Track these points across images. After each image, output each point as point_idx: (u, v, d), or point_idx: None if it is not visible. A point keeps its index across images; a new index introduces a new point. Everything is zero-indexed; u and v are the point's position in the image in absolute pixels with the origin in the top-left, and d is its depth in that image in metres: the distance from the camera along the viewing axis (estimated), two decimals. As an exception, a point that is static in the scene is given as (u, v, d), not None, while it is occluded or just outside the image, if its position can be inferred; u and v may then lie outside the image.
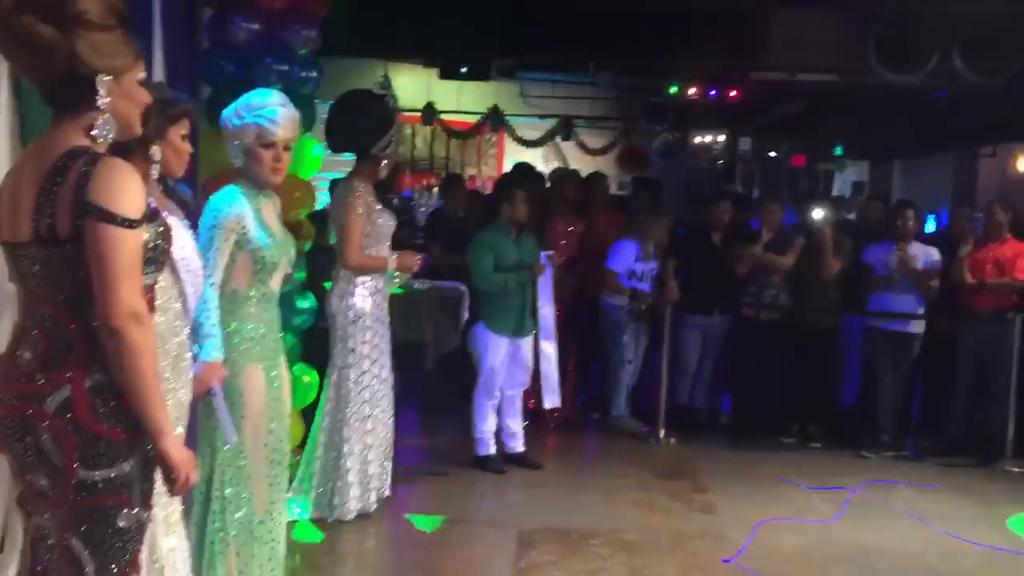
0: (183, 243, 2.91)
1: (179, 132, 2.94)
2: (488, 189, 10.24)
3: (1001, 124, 9.79)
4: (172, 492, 2.23)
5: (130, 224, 2.05)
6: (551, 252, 5.98)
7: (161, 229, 2.24)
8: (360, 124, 4.59)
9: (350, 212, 4.58)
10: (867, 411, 6.87)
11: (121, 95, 2.14)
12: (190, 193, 3.08)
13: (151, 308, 2.29)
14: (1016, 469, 6.39)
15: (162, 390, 2.19)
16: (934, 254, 6.69)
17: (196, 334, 3.16)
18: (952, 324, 6.68)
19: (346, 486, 4.63)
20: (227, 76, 4.51)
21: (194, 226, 3.11)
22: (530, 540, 4.65)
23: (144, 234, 2.12)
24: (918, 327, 6.68)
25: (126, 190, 2.06)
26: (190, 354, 3.01)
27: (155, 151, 2.86)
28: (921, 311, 6.67)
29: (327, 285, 4.77)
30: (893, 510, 5.54)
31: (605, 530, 4.83)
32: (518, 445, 5.91)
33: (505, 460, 5.81)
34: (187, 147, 2.97)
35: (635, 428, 6.90)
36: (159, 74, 4.14)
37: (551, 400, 6.07)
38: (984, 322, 6.55)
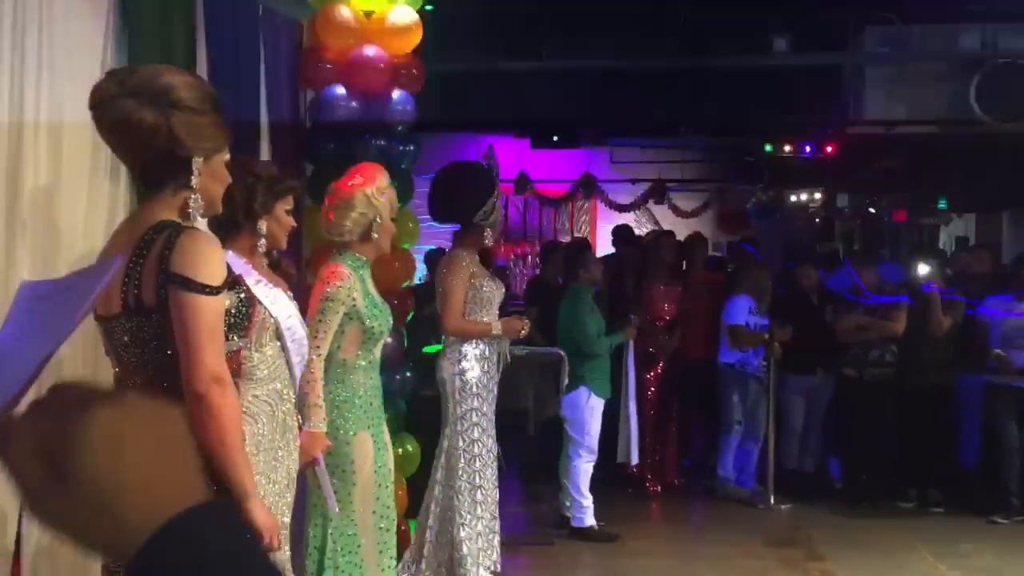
0: (288, 313, 2.98)
1: (284, 207, 3.04)
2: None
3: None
4: None
5: (210, 291, 2.10)
6: (635, 317, 6.08)
7: (243, 296, 2.29)
8: (463, 193, 4.67)
9: (451, 278, 4.65)
10: (992, 473, 6.51)
11: (209, 175, 2.23)
12: (293, 265, 3.16)
13: (237, 373, 2.34)
14: None
15: (247, 454, 2.20)
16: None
17: (300, 404, 3.21)
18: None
19: (462, 558, 4.56)
20: (328, 153, 4.65)
21: (297, 297, 3.19)
22: (640, 611, 4.51)
23: (225, 301, 2.17)
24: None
25: (206, 258, 2.13)
26: (296, 423, 3.06)
27: (262, 225, 2.97)
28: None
29: (428, 349, 4.82)
30: (1027, 578, 5.20)
31: (718, 601, 4.66)
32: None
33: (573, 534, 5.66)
34: (291, 221, 3.07)
35: (743, 494, 6.70)
36: (265, 154, 4.31)
37: (633, 457, 6.07)
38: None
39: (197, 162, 2.17)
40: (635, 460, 6.13)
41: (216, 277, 2.12)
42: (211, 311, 2.10)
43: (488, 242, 4.80)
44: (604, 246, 9.91)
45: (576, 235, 12.47)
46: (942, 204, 13.15)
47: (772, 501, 6.51)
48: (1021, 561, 5.46)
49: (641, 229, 10.31)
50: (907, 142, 8.53)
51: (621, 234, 8.73)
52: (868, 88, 7.30)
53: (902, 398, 6.55)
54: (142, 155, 2.20)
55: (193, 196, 2.19)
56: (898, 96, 7.06)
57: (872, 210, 14.07)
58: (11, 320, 0.82)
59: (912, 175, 11.29)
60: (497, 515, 4.71)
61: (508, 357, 4.76)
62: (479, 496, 4.61)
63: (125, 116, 2.12)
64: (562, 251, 7.24)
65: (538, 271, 9.68)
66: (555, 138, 9.05)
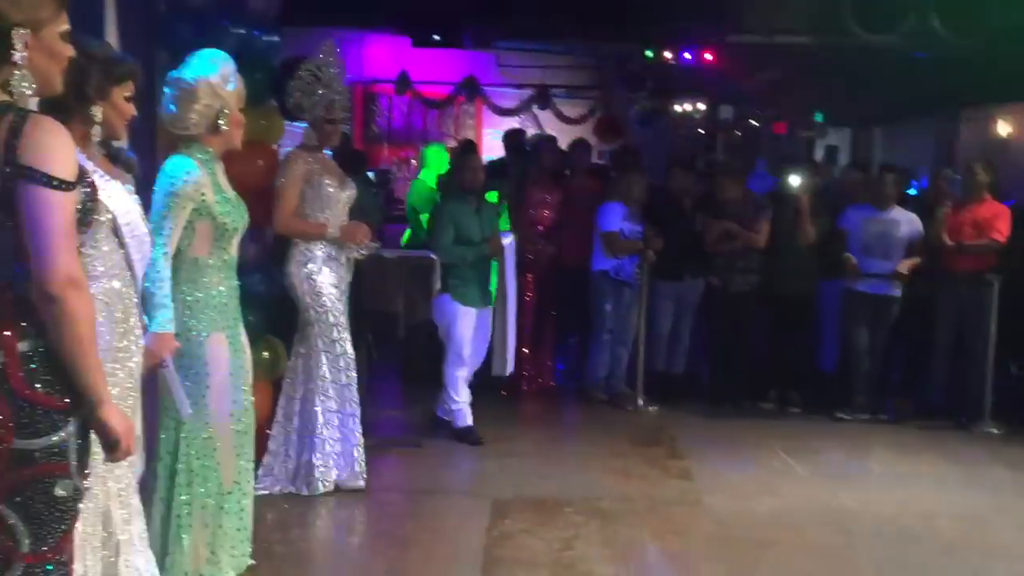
0: (127, 208, 2.82)
1: (123, 93, 2.84)
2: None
3: (981, 88, 9.73)
4: (110, 459, 2.17)
5: (65, 186, 1.97)
6: (511, 236, 5.88)
7: (88, 190, 2.15)
8: (288, 89, 4.52)
9: (281, 176, 4.55)
10: (846, 375, 6.84)
11: (40, 50, 2.04)
12: (135, 157, 2.98)
13: None
14: (995, 431, 6.38)
15: (99, 357, 2.11)
16: (916, 222, 6.62)
17: (146, 304, 3.07)
18: (932, 286, 6.63)
19: (315, 459, 4.56)
20: (184, 41, 4.37)
21: (141, 191, 3.02)
22: (504, 509, 4.60)
23: (78, 195, 2.04)
24: (896, 290, 6.63)
25: (58, 149, 1.98)
26: (139, 323, 2.92)
27: (97, 112, 2.77)
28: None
29: None
30: (871, 472, 5.52)
31: (580, 498, 4.79)
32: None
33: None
34: (131, 109, 2.87)
35: (613, 396, 6.87)
36: (112, 38, 4.03)
37: (505, 368, 5.98)
38: (962, 284, 6.50)
39: (20, 35, 1.98)
40: (508, 370, 6.06)
41: (69, 170, 1.99)
42: (65, 207, 1.97)
43: (331, 140, 4.65)
44: (489, 151, 9.79)
45: (461, 139, 12.33)
46: (819, 117, 13.49)
47: (640, 403, 6.70)
48: (866, 458, 5.79)
49: (527, 134, 10.20)
50: (785, 53, 8.64)
51: (511, 139, 8.55)
52: (749, -2, 7.32)
53: (767, 305, 6.77)
54: None
55: (17, 72, 2.00)
56: (777, 5, 7.10)
57: (753, 122, 14.32)
58: None
59: (791, 88, 11.50)
60: (359, 418, 4.69)
61: (351, 261, 4.68)
62: (331, 394, 4.57)
63: None
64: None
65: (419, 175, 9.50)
66: (436, 37, 8.78)
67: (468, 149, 6.74)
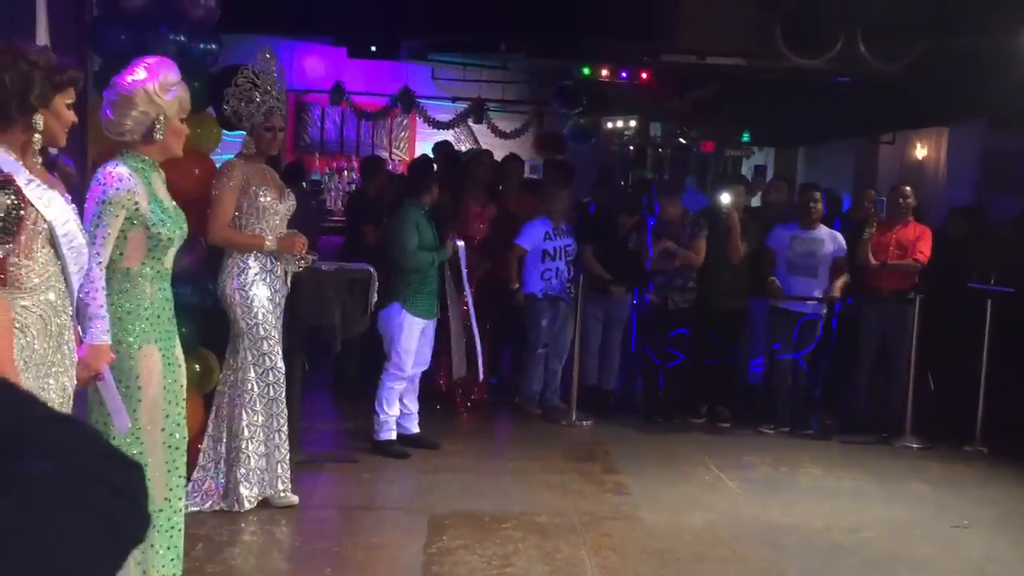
0: (65, 218, 2.73)
1: (64, 101, 2.77)
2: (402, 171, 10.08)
3: (900, 112, 10.09)
4: None
5: None
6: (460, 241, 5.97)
7: (13, 198, 2.08)
8: (226, 96, 4.44)
9: (217, 186, 4.46)
10: (771, 390, 6.98)
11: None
12: (74, 166, 2.89)
13: (3, 283, 2.13)
14: (915, 445, 6.57)
15: (17, 372, 2.03)
16: (840, 240, 6.78)
17: (81, 315, 2.98)
18: (856, 304, 6.81)
19: (245, 475, 4.48)
20: (119, 46, 4.28)
21: (78, 201, 2.93)
22: (441, 525, 4.57)
23: None
24: (820, 309, 6.79)
25: None
26: (74, 336, 2.84)
27: (38, 120, 2.69)
28: (819, 294, 6.75)
29: None
30: (798, 487, 5.64)
31: (517, 513, 4.78)
32: (414, 426, 5.84)
33: (402, 442, 5.73)
34: (72, 117, 2.80)
35: (547, 411, 6.89)
36: (43, 40, 3.91)
37: (476, 373, 6.18)
38: (886, 302, 6.70)
39: None
40: (461, 371, 6.22)
41: None
42: None
43: (269, 149, 4.58)
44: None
45: (395, 151, 12.28)
46: (745, 137, 13.81)
47: (574, 418, 6.73)
48: (794, 472, 5.91)
49: (461, 147, 10.23)
50: (716, 74, 8.82)
51: (442, 150, 8.54)
52: (683, 18, 7.46)
53: (701, 321, 6.87)
54: None
55: None
56: (710, 28, 7.26)
57: (682, 140, 14.57)
58: None
59: (720, 107, 11.75)
60: (281, 431, 4.61)
61: (288, 274, 4.61)
62: (263, 411, 4.50)
63: None
64: (373, 165, 7.05)
65: (355, 186, 9.42)
66: (373, 48, 8.73)
67: (429, 166, 6.63)
